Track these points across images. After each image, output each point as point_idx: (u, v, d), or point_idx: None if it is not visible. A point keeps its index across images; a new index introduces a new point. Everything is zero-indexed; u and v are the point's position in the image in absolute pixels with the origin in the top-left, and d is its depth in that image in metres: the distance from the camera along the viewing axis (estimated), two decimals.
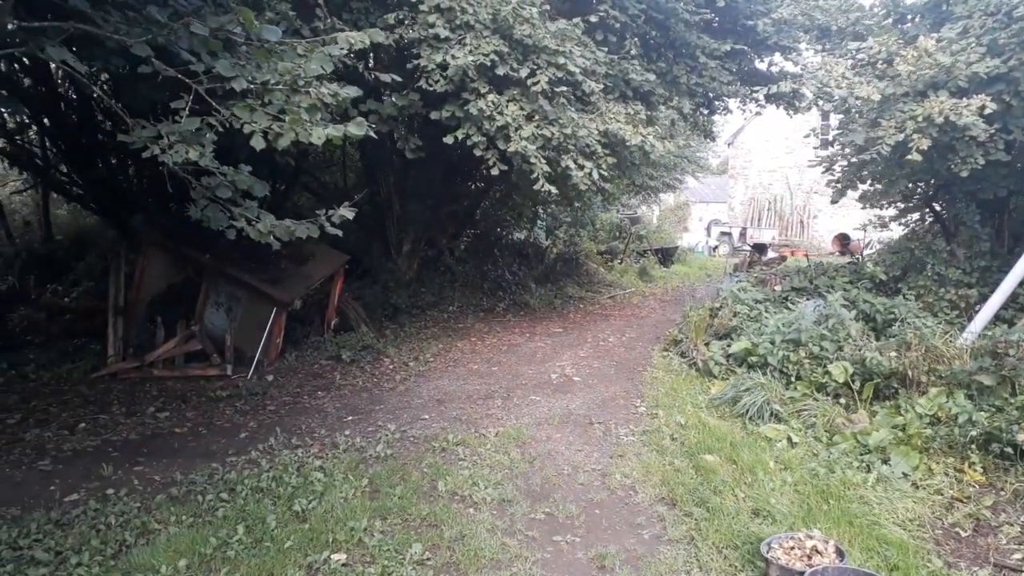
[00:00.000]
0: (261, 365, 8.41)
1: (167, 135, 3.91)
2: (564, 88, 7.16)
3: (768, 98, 12.89)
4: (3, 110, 9.98)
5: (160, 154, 3.76)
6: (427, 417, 6.67)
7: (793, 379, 6.75)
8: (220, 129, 3.95)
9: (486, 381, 7.92)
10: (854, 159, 7.91)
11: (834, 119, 27.61)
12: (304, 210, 13.54)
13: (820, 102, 10.08)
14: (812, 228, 29.52)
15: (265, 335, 8.42)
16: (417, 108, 7.63)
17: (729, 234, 26.52)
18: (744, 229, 27.22)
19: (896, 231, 15.55)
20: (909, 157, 7.13)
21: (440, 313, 11.45)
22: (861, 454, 5.46)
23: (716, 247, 26.45)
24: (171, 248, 8.60)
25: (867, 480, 5.02)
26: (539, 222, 16.12)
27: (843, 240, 27.25)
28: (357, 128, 3.90)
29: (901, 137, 7.22)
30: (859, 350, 6.76)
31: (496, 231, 14.83)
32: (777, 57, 13.04)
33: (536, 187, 7.24)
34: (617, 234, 20.11)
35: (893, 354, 6.46)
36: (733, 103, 13.18)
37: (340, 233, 4.59)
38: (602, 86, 7.57)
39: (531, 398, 7.21)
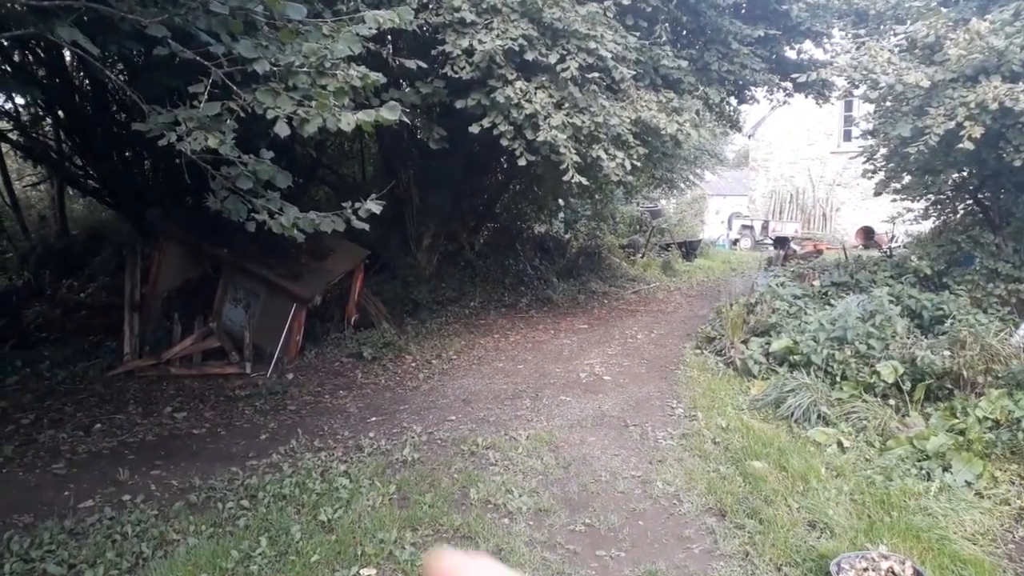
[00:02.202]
0: (281, 363, 8.17)
1: (184, 121, 3.64)
2: (596, 74, 6.83)
3: (798, 87, 12.49)
4: (18, 103, 9.80)
5: (177, 142, 3.49)
6: (454, 418, 6.40)
7: (838, 379, 6.41)
8: (241, 115, 3.68)
9: (513, 380, 7.64)
10: (903, 150, 7.51)
11: (860, 108, 27.10)
12: (322, 204, 13.30)
13: (858, 89, 9.73)
14: (835, 221, 28.97)
15: (284, 332, 8.18)
16: (441, 96, 7.33)
17: (751, 227, 26.05)
18: (766, 222, 26.73)
19: (925, 224, 15.15)
20: (960, 146, 6.76)
21: (461, 309, 11.17)
22: (918, 460, 5.14)
23: (737, 240, 26.00)
24: (188, 242, 8.37)
25: (929, 489, 4.69)
26: (560, 215, 15.80)
27: (867, 233, 26.69)
28: (390, 113, 3.61)
29: (951, 125, 6.84)
30: (907, 348, 6.42)
31: (517, 224, 14.52)
32: (807, 45, 12.64)
33: (566, 178, 6.92)
34: (638, 227, 19.74)
35: (946, 353, 6.11)
36: (760, 92, 12.78)
37: (367, 227, 4.31)
38: (633, 73, 7.24)
39: (561, 398, 6.92)
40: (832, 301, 7.73)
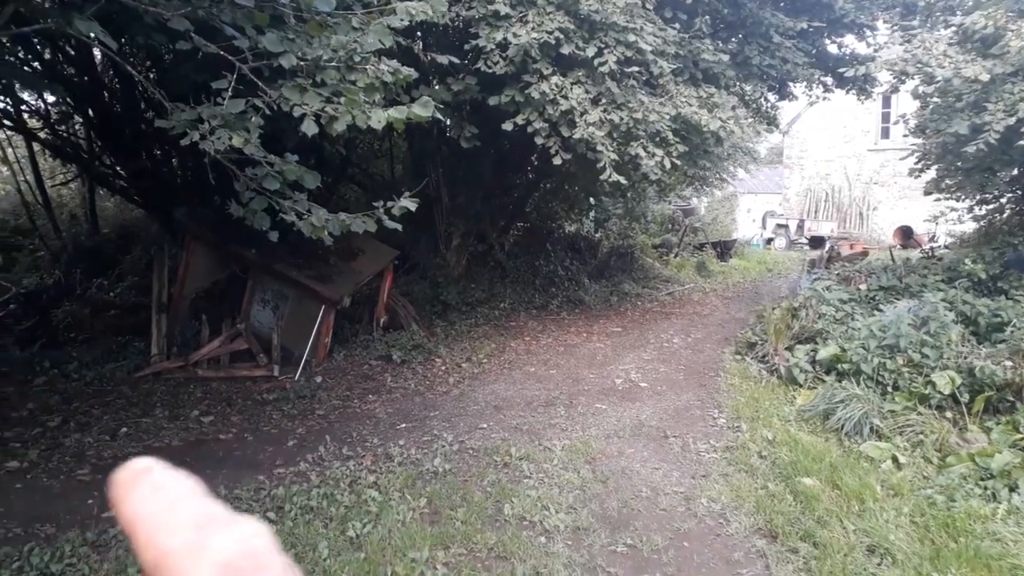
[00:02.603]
0: (309, 365, 8.02)
1: (208, 119, 3.45)
2: (635, 69, 6.55)
3: (841, 82, 12.09)
4: (48, 102, 9.78)
5: (200, 140, 3.30)
6: (485, 426, 6.18)
7: (890, 389, 6.08)
8: (267, 112, 3.49)
9: (545, 386, 7.40)
10: (958, 148, 7.13)
11: (900, 106, 26.39)
12: (351, 203, 13.17)
13: (905, 84, 9.33)
14: (871, 220, 28.29)
15: (313, 334, 8.03)
16: (472, 93, 7.10)
17: (785, 226, 25.49)
18: (802, 221, 26.16)
19: (968, 224, 14.67)
20: (1021, 143, 6.38)
21: (491, 310, 10.94)
22: (981, 479, 4.81)
23: (771, 240, 25.46)
24: (215, 243, 8.25)
25: (995, 512, 4.37)
26: (590, 214, 15.50)
27: (905, 233, 26.00)
28: (423, 109, 3.39)
29: (1011, 121, 6.47)
30: (964, 358, 6.07)
31: (548, 224, 14.25)
32: (848, 39, 12.23)
33: (603, 177, 6.66)
34: (670, 227, 19.36)
35: (1007, 363, 5.75)
36: (799, 88, 12.39)
37: (399, 227, 4.11)
38: (673, 67, 6.95)
39: (596, 406, 6.66)
40: (881, 306, 7.37)
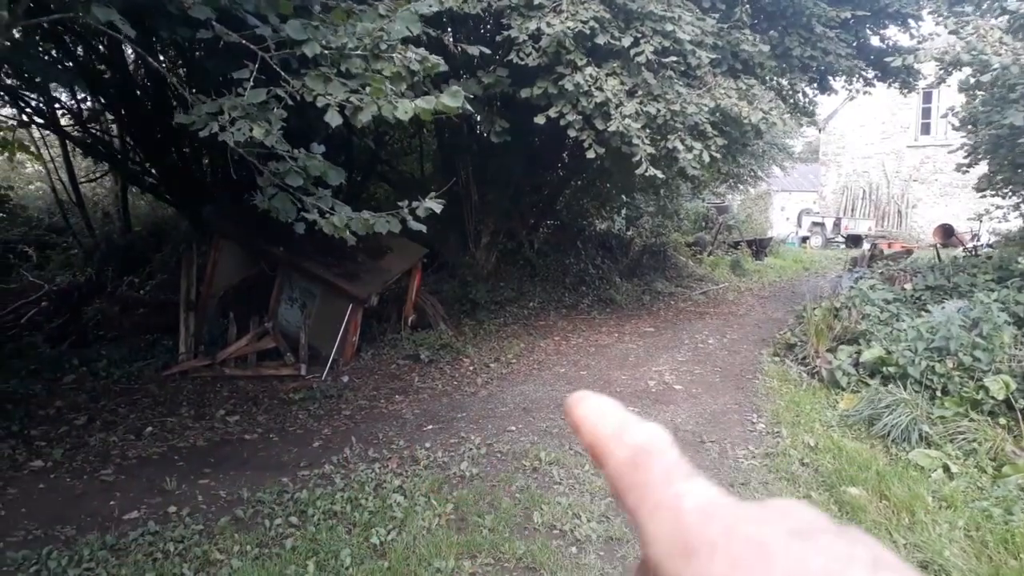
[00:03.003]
0: (336, 365, 7.92)
1: (228, 110, 3.32)
2: (673, 59, 6.31)
3: (885, 75, 11.69)
4: (79, 100, 9.82)
5: (220, 132, 3.17)
6: (514, 429, 6.00)
7: (938, 394, 5.78)
8: (289, 102, 3.34)
9: (575, 387, 7.15)
10: (1017, 140, 6.77)
11: (941, 100, 25.67)
12: (380, 201, 13.09)
13: (951, 75, 8.96)
14: (910, 218, 27.58)
15: (341, 333, 7.92)
16: (503, 86, 6.91)
17: (822, 224, 24.93)
18: (838, 219, 25.57)
19: (1015, 222, 14.17)
20: None
21: (520, 309, 10.77)
22: None
23: (807, 238, 24.92)
24: (243, 240, 8.18)
25: None
26: (622, 211, 15.23)
27: (946, 231, 25.29)
28: (453, 99, 3.22)
29: None
30: (1018, 361, 5.75)
31: (578, 221, 14.03)
32: (890, 30, 11.84)
33: (639, 171, 6.44)
34: (704, 224, 19.01)
35: None
36: (838, 82, 12.01)
37: (424, 228, 3.95)
38: (711, 58, 6.69)
39: (629, 409, 6.43)
40: (928, 307, 7.05)
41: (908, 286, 8.05)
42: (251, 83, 3.35)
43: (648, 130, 6.38)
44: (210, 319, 8.41)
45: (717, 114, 6.74)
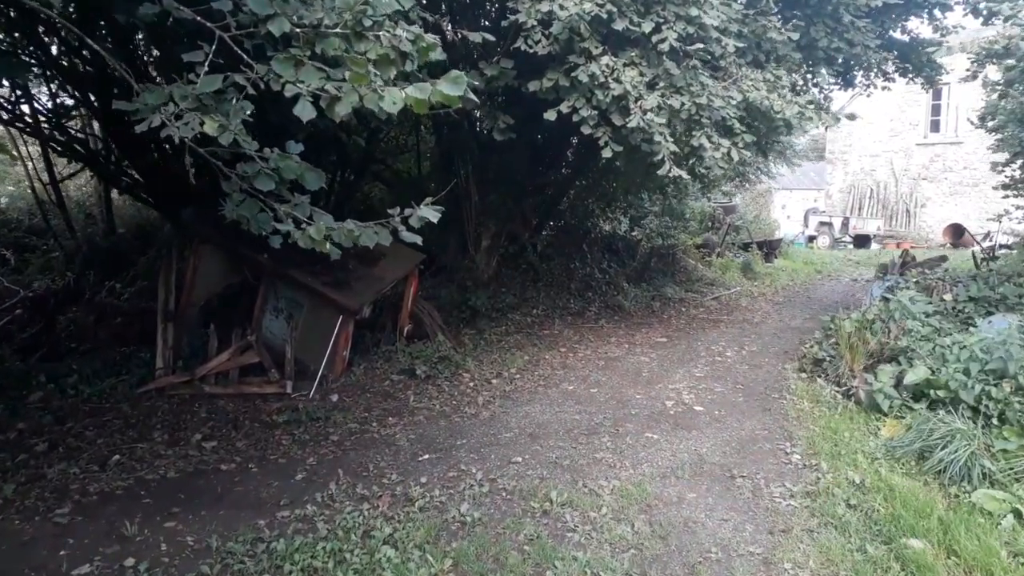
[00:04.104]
0: (325, 381, 7.31)
1: (177, 100, 2.69)
2: (700, 46, 5.67)
3: (906, 70, 11.07)
4: (53, 96, 9.19)
5: (161, 127, 2.55)
6: (520, 460, 5.39)
7: (995, 422, 5.17)
8: (251, 91, 2.72)
9: (586, 408, 6.59)
10: None
11: (951, 97, 25.06)
12: (375, 202, 12.44)
13: (984, 69, 8.36)
14: (919, 218, 27.00)
15: (330, 347, 7.31)
16: (508, 79, 6.28)
17: (829, 224, 24.35)
18: (846, 219, 24.99)
19: None
20: None
21: (523, 317, 10.14)
22: None
23: (813, 238, 24.33)
24: (225, 246, 7.55)
25: None
26: (630, 212, 14.60)
27: (956, 231, 24.74)
28: (453, 87, 2.60)
29: None
30: None
31: (584, 223, 13.39)
32: (912, 23, 11.23)
33: (661, 172, 5.82)
34: (710, 225, 18.38)
35: None
36: (861, 76, 11.39)
37: (419, 240, 3.33)
38: (737, 46, 6.07)
39: (646, 435, 5.83)
40: (973, 320, 6.44)
41: (948, 297, 7.45)
42: (205, 68, 2.73)
43: (671, 126, 5.75)
44: (190, 330, 7.78)
45: (744, 108, 6.12)
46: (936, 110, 26.95)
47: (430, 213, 3.12)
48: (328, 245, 3.16)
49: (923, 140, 26.99)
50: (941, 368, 5.65)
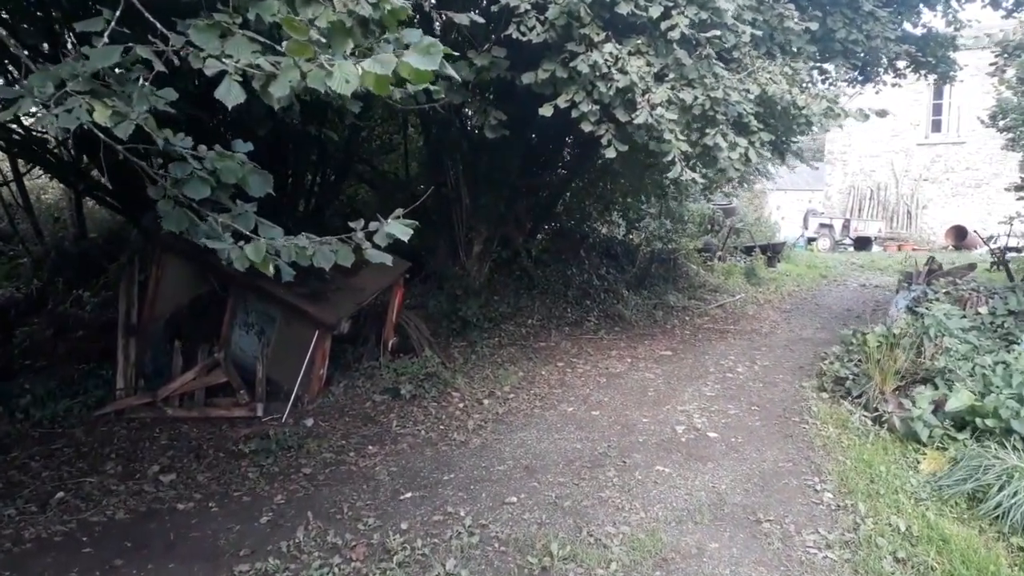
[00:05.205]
0: (300, 403, 6.66)
1: (68, 79, 2.05)
2: (716, 33, 5.04)
3: (920, 65, 10.50)
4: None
5: (37, 116, 1.91)
6: (514, 500, 4.75)
7: None
8: (162, 68, 2.07)
9: (588, 434, 5.95)
10: None
11: (952, 96, 24.57)
12: (360, 204, 11.78)
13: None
14: (920, 219, 26.46)
15: (305, 365, 6.65)
16: (500, 71, 5.63)
17: (830, 226, 23.79)
18: (847, 220, 24.44)
19: None
20: None
21: (517, 328, 9.50)
22: None
23: (813, 240, 23.76)
24: (190, 254, 6.87)
25: None
26: (629, 213, 13.95)
27: (959, 233, 24.21)
28: (424, 59, 1.97)
29: None
30: None
31: (581, 227, 12.74)
32: (926, 16, 10.66)
33: (671, 174, 5.19)
34: (709, 227, 17.76)
35: None
36: (876, 71, 10.80)
37: (388, 259, 2.70)
38: (755, 34, 5.45)
39: (657, 468, 5.20)
40: (1016, 337, 5.83)
41: (983, 310, 6.85)
42: (105, 39, 2.08)
43: (679, 123, 5.11)
44: (154, 346, 7.11)
45: (763, 103, 5.50)
46: (937, 109, 26.44)
47: (399, 229, 2.49)
48: (270, 267, 2.52)
49: (924, 140, 26.48)
50: (986, 393, 5.04)
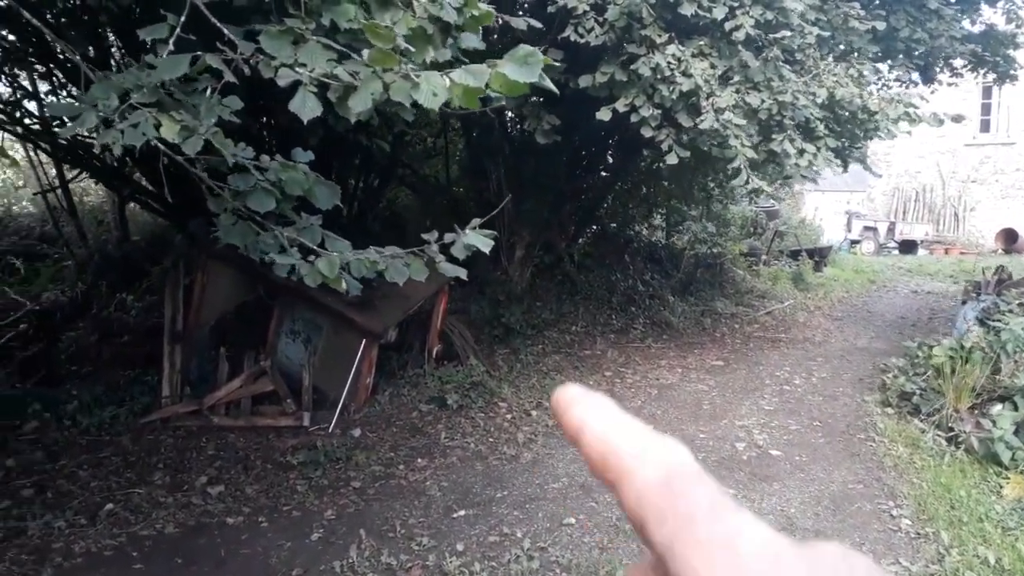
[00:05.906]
0: (346, 412, 6.56)
1: (134, 89, 1.92)
2: (786, 33, 4.80)
3: (979, 63, 10.09)
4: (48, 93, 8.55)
5: (97, 133, 1.78)
6: (573, 521, 4.57)
7: None
8: (232, 79, 1.93)
9: None
10: None
11: (1001, 96, 23.79)
12: (400, 209, 11.69)
13: None
14: (968, 222, 25.69)
15: (352, 374, 6.55)
16: (557, 73, 5.46)
17: (874, 229, 23.17)
18: (892, 223, 23.80)
19: None
20: None
21: (561, 335, 9.30)
22: None
23: (856, 242, 23.15)
24: (236, 261, 6.80)
25: None
26: (673, 217, 13.67)
27: (1009, 236, 23.42)
28: (522, 70, 1.79)
29: None
30: None
31: (625, 231, 12.49)
32: (985, 12, 10.27)
33: (737, 181, 4.98)
34: (752, 230, 17.35)
35: None
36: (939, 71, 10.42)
37: (463, 273, 2.56)
38: (822, 35, 5.20)
39: (724, 488, 4.97)
40: None
41: None
42: (170, 47, 1.95)
43: (751, 128, 4.88)
44: (199, 353, 7.08)
45: (827, 107, 5.24)
46: (986, 109, 25.63)
47: (479, 240, 2.33)
48: (342, 283, 2.37)
49: (972, 141, 25.70)
50: None
